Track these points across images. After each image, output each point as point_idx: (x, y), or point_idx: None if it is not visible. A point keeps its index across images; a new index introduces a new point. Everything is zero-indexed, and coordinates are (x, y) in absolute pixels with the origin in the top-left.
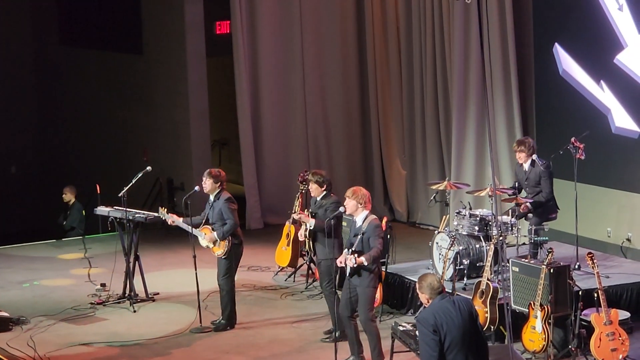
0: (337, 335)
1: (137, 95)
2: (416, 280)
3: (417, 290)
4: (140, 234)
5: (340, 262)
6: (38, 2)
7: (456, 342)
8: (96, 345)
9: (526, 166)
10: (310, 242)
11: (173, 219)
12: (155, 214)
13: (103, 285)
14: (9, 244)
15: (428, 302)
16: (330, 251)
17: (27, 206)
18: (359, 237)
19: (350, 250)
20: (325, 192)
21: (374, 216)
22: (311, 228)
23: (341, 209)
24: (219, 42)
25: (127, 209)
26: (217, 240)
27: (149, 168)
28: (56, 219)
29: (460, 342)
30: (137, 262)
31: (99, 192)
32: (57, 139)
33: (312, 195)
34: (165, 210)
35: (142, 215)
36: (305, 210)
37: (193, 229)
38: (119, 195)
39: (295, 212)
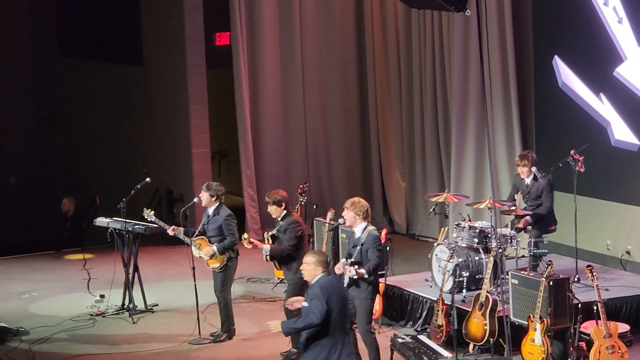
0: (293, 352)
1: (136, 107)
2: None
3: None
4: (140, 245)
5: (339, 269)
6: (38, 12)
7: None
8: (95, 357)
9: (528, 180)
10: (275, 262)
11: (175, 231)
12: (155, 224)
13: (102, 296)
14: (8, 255)
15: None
16: (297, 272)
17: (26, 217)
18: (358, 248)
19: (348, 261)
20: (285, 212)
21: (373, 227)
22: (267, 254)
23: (340, 220)
24: (219, 54)
25: (127, 220)
26: (215, 253)
27: (148, 179)
28: (55, 230)
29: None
30: (136, 273)
31: (98, 203)
32: (56, 149)
33: (273, 216)
34: (152, 212)
35: (141, 227)
36: (265, 232)
37: (186, 237)
38: (118, 206)
39: (246, 240)
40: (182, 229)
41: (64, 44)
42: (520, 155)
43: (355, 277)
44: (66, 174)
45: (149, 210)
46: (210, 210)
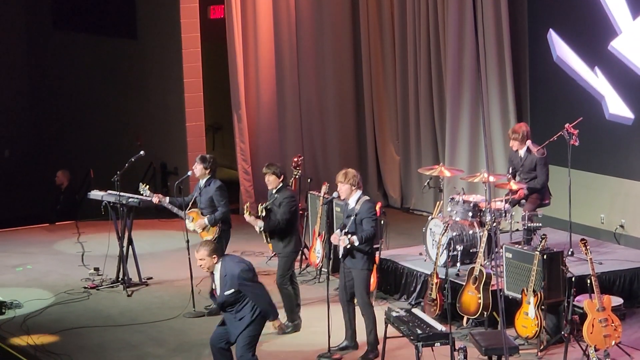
0: (288, 325)
1: (131, 80)
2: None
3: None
4: (134, 218)
5: (334, 240)
6: None
7: None
8: (90, 330)
9: (522, 152)
10: (266, 236)
11: (160, 199)
12: (148, 198)
13: (96, 269)
14: (2, 228)
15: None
16: (287, 245)
17: (20, 190)
18: (352, 218)
19: (342, 231)
20: (281, 185)
21: (367, 197)
22: (261, 229)
23: (334, 194)
24: (213, 27)
25: (121, 193)
26: (207, 225)
27: (142, 152)
28: (49, 203)
29: None
30: (130, 246)
31: (92, 176)
32: (50, 123)
33: (269, 187)
34: (147, 186)
35: (135, 200)
36: (260, 205)
37: (179, 210)
38: (113, 179)
39: (247, 213)
40: (167, 198)
41: (57, 18)
42: (512, 129)
43: (349, 246)
44: (60, 147)
45: (145, 185)
46: (202, 182)
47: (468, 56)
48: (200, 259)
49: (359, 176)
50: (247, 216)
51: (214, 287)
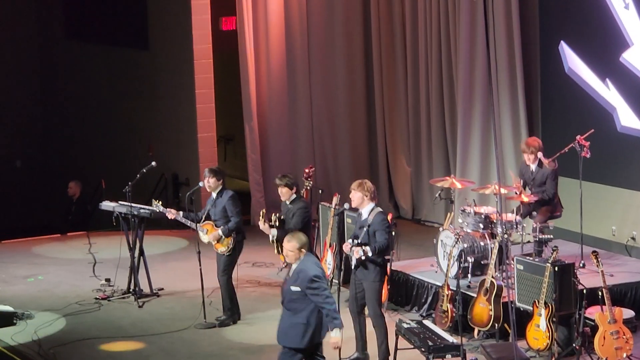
0: None
1: (142, 91)
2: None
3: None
4: (145, 229)
5: (346, 249)
6: None
7: None
8: (101, 340)
9: (533, 167)
10: (278, 246)
11: (174, 214)
12: (167, 208)
13: (108, 280)
14: (13, 239)
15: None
16: None
17: (32, 201)
18: (365, 229)
19: (355, 242)
20: (295, 196)
21: (380, 209)
22: (274, 238)
23: (346, 205)
24: (225, 38)
25: (132, 204)
26: (221, 237)
27: (154, 163)
28: (60, 214)
29: None
30: (141, 257)
31: (104, 187)
32: (62, 133)
33: (282, 199)
34: (160, 202)
35: (147, 211)
36: (273, 215)
37: (193, 223)
38: (124, 190)
39: (262, 222)
40: (180, 212)
41: (70, 28)
42: (526, 142)
43: (363, 257)
44: (72, 158)
45: (157, 201)
46: (214, 194)
47: (479, 68)
48: (290, 250)
49: (374, 189)
50: (261, 224)
51: (287, 278)
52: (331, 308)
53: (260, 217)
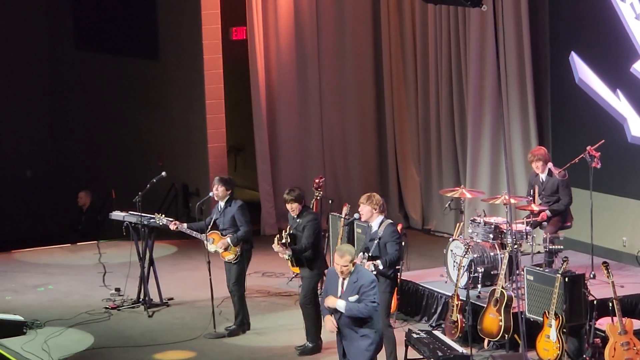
0: (308, 346)
1: (152, 101)
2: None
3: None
4: (155, 239)
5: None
6: (54, 6)
7: None
8: (110, 350)
9: (543, 176)
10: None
11: (177, 225)
12: (170, 219)
13: (117, 290)
14: (24, 248)
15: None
16: (311, 266)
17: (42, 210)
18: (375, 242)
19: (365, 254)
20: (302, 209)
21: (389, 221)
22: (290, 257)
23: (356, 215)
24: (235, 48)
25: (142, 214)
26: (229, 245)
27: (164, 173)
28: (70, 223)
29: None
30: (151, 267)
31: (114, 196)
32: (72, 143)
33: (292, 214)
34: (163, 215)
35: (157, 221)
36: (283, 231)
37: (198, 234)
38: (134, 200)
39: (276, 243)
40: (185, 224)
41: (80, 38)
42: (533, 151)
43: (374, 272)
44: (82, 168)
45: (160, 214)
46: (222, 203)
47: (489, 78)
48: (344, 266)
49: (383, 202)
50: (274, 246)
51: (324, 292)
52: (373, 305)
53: (277, 241)
